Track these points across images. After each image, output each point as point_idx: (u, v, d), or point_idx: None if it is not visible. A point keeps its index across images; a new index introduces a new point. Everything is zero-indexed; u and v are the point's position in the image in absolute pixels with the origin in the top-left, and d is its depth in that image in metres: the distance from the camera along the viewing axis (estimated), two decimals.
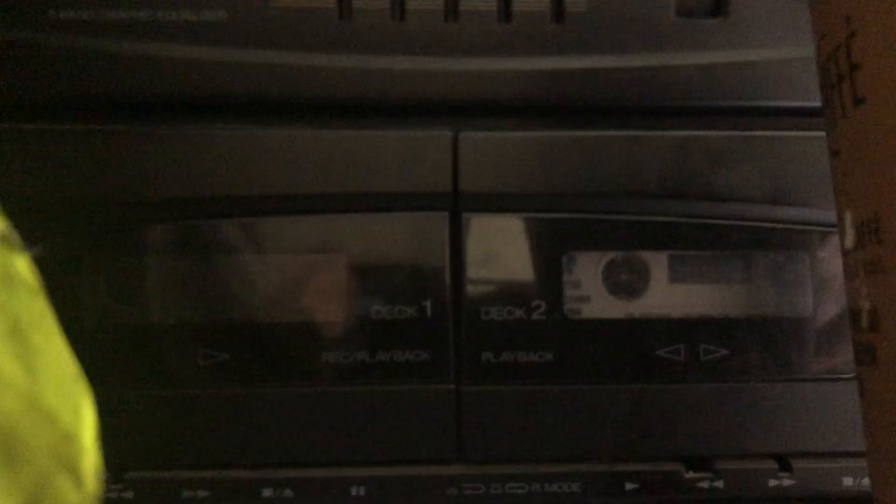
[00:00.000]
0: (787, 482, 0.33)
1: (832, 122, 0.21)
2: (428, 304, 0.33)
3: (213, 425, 0.32)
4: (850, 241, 0.20)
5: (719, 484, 0.33)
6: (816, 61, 0.22)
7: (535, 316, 0.33)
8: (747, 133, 0.33)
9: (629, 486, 0.33)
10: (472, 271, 0.33)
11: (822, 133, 0.33)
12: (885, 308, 0.19)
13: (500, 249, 0.33)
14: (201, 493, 0.32)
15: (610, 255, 0.34)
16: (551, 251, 0.34)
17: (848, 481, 0.34)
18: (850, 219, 0.20)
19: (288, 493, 0.32)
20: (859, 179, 0.20)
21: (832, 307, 0.34)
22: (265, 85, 0.32)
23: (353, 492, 0.32)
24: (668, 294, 0.34)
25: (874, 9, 0.18)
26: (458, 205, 0.33)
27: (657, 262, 0.34)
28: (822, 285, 0.34)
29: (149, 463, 0.32)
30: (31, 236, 0.30)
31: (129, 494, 0.32)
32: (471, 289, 0.33)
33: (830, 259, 0.34)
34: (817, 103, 0.33)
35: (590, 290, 0.34)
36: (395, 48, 0.33)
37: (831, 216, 0.33)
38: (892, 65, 0.18)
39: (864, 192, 0.19)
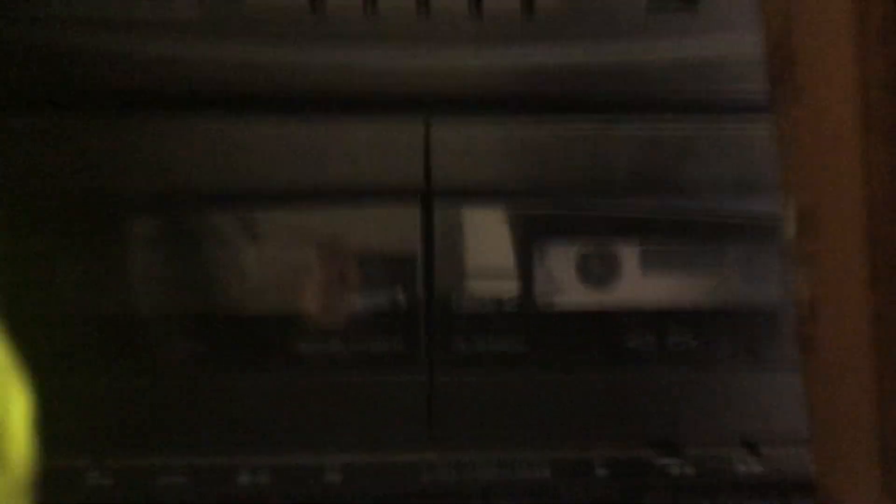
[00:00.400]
0: (756, 468, 0.34)
1: (775, 113, 0.22)
2: (401, 294, 0.33)
3: (190, 413, 0.33)
4: (791, 230, 0.21)
5: (689, 469, 0.34)
6: (762, 53, 0.23)
7: (507, 306, 0.34)
8: (717, 126, 0.34)
9: (600, 471, 0.34)
10: (444, 262, 0.33)
11: None
12: (821, 298, 0.19)
13: (472, 240, 0.34)
14: (179, 480, 0.33)
15: (582, 247, 0.35)
16: (523, 242, 0.34)
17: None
18: (791, 208, 0.21)
19: (264, 478, 0.33)
20: (799, 170, 0.20)
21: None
22: (238, 80, 0.33)
23: (329, 477, 0.33)
24: (639, 285, 0.35)
25: (809, 4, 0.19)
26: (430, 196, 0.33)
27: (629, 254, 0.35)
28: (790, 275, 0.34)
29: (127, 450, 0.33)
30: (11, 226, 0.31)
31: (107, 481, 0.32)
32: (443, 279, 0.33)
33: None
34: None
35: (562, 281, 0.35)
36: (367, 42, 0.33)
37: None
38: (826, 58, 0.18)
39: (803, 182, 0.20)
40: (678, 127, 0.34)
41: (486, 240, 0.34)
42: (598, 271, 0.35)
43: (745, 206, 0.34)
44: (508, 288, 0.34)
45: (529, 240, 0.34)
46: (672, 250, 0.34)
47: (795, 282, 0.21)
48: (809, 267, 0.20)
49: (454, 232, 0.34)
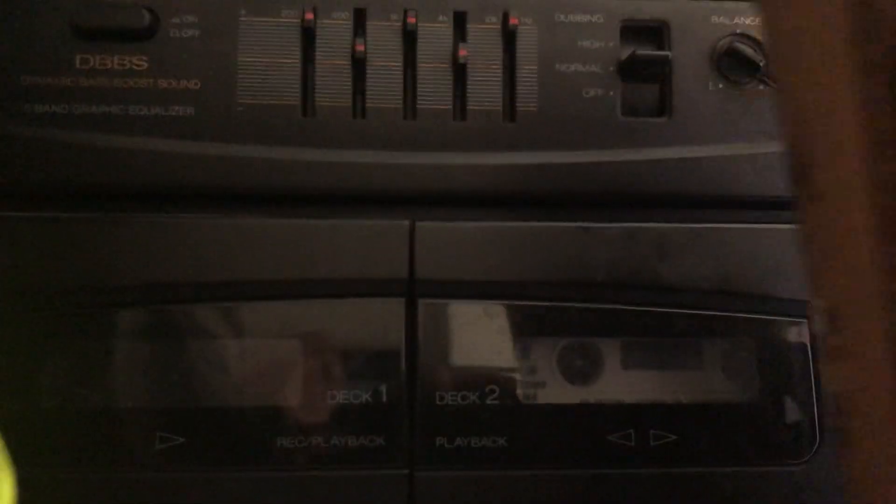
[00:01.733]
0: None
1: (797, 213, 0.22)
2: (383, 389, 0.33)
3: None
4: (819, 327, 0.21)
5: None
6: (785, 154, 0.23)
7: (490, 401, 0.34)
8: (693, 225, 0.35)
9: None
10: (427, 357, 0.34)
11: (766, 225, 0.35)
12: (849, 393, 0.20)
13: (455, 335, 0.34)
14: None
15: (564, 342, 0.35)
16: (506, 337, 0.35)
17: None
18: (817, 305, 0.21)
19: None
20: (820, 269, 0.20)
21: (778, 394, 0.34)
22: (230, 176, 0.34)
23: None
24: (620, 380, 0.35)
25: (821, 111, 0.19)
26: (414, 291, 0.34)
27: (610, 349, 0.35)
28: (768, 372, 0.35)
29: None
30: None
31: None
32: (426, 374, 0.34)
33: (775, 346, 0.35)
34: (759, 195, 0.35)
35: (545, 376, 0.35)
36: (355, 143, 0.34)
37: (777, 305, 0.34)
38: (840, 163, 0.19)
39: (824, 281, 0.20)
40: (654, 226, 0.35)
41: (469, 335, 0.34)
42: (579, 366, 0.35)
43: (723, 302, 0.35)
44: (491, 383, 0.34)
45: (511, 335, 0.34)
46: (651, 345, 0.35)
47: (824, 376, 0.21)
48: (834, 364, 0.20)
49: (437, 327, 0.34)
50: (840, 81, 0.19)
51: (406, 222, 0.34)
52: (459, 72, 0.35)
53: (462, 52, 0.34)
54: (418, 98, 0.35)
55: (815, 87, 0.20)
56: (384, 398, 0.33)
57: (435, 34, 0.35)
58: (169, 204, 0.34)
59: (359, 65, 0.34)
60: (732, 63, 0.35)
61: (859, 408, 0.20)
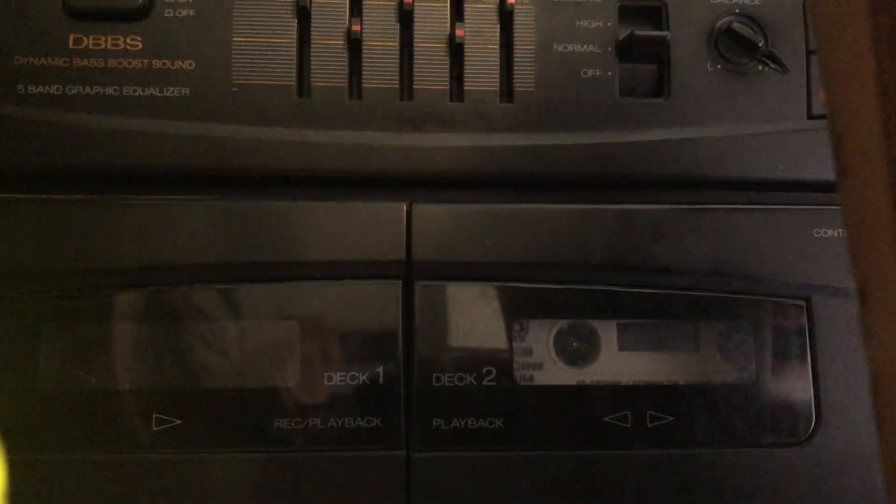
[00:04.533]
0: None
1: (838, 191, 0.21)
2: (380, 370, 0.33)
3: (165, 490, 0.32)
4: (856, 306, 0.21)
5: None
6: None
7: (486, 382, 0.34)
8: (690, 206, 0.35)
9: None
10: (424, 339, 0.34)
11: (764, 206, 0.35)
12: (880, 372, 0.19)
13: (451, 317, 0.34)
14: None
15: (560, 323, 0.35)
16: (503, 318, 0.35)
17: None
18: (854, 283, 0.21)
19: None
20: (851, 249, 0.20)
21: (775, 375, 0.34)
22: (225, 158, 0.34)
23: None
24: (617, 361, 0.35)
25: (848, 78, 0.19)
26: (411, 273, 0.34)
27: (606, 330, 0.35)
28: (766, 353, 0.35)
29: None
30: None
31: None
32: (423, 356, 0.34)
33: (773, 328, 0.35)
34: (753, 177, 0.35)
35: (541, 358, 0.35)
36: (351, 124, 0.34)
37: (772, 287, 0.34)
38: (865, 139, 0.19)
39: (856, 261, 0.20)
40: (650, 207, 0.35)
41: (466, 316, 0.34)
42: (575, 348, 0.35)
43: (719, 283, 0.35)
44: (488, 365, 0.34)
45: (508, 316, 0.34)
46: (648, 327, 0.35)
47: (866, 353, 0.21)
48: (867, 341, 0.20)
49: (435, 309, 0.34)
50: (859, 50, 0.19)
51: (403, 204, 0.34)
52: (456, 52, 0.35)
53: (459, 32, 0.34)
54: (415, 78, 0.34)
55: (839, 56, 0.19)
56: (381, 380, 0.33)
57: (432, 13, 0.34)
58: (164, 186, 0.34)
59: (355, 45, 0.34)
60: (731, 43, 0.35)
61: (887, 388, 0.19)
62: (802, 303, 0.35)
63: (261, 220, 0.33)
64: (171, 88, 0.34)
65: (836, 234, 0.35)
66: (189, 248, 0.33)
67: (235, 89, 0.34)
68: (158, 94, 0.34)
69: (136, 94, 0.34)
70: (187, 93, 0.34)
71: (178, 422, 0.32)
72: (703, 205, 0.35)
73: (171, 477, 0.32)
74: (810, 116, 0.36)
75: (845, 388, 0.34)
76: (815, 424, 0.34)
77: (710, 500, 0.34)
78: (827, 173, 0.35)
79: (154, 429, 0.32)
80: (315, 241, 0.33)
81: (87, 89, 0.33)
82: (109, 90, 0.34)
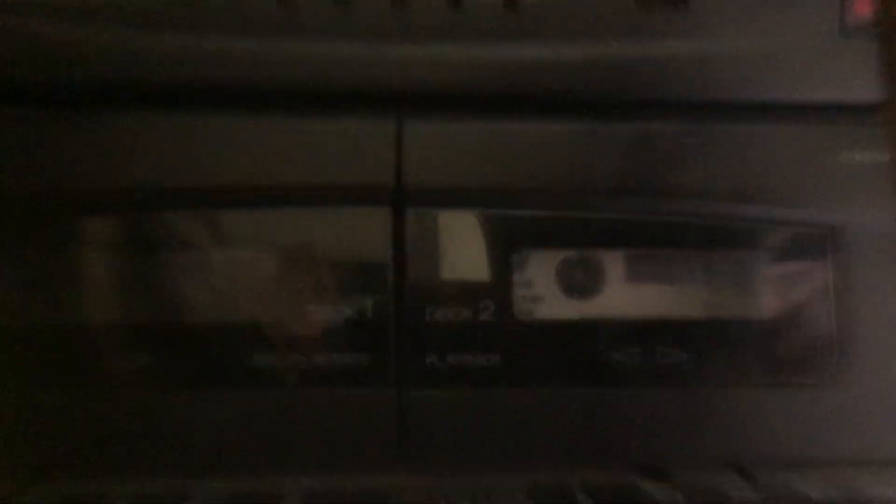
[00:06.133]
0: (749, 494, 0.32)
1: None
2: (369, 304, 0.31)
3: (138, 432, 0.30)
4: None
5: (677, 496, 0.31)
6: None
7: (483, 317, 0.31)
8: (707, 127, 0.32)
9: (581, 497, 0.31)
10: (416, 270, 0.31)
11: (785, 127, 0.32)
12: None
13: (446, 247, 0.32)
14: None
15: (564, 254, 0.33)
16: (501, 249, 0.32)
17: (814, 493, 0.32)
18: None
19: None
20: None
21: (796, 310, 0.32)
22: (199, 71, 0.31)
23: (288, 502, 0.30)
24: (624, 294, 0.33)
25: None
26: (401, 199, 0.31)
27: (613, 262, 0.33)
28: (786, 287, 0.32)
29: (67, 473, 0.30)
30: None
31: None
32: (415, 288, 0.31)
33: (794, 260, 0.32)
34: (779, 98, 0.32)
35: (542, 290, 0.32)
36: (337, 34, 0.31)
37: (795, 214, 0.31)
38: None
39: None
40: (666, 128, 0.32)
41: (462, 246, 0.32)
42: (580, 280, 0.33)
43: (737, 211, 0.32)
44: (485, 298, 0.31)
45: (508, 246, 0.32)
46: (660, 258, 0.32)
47: None
48: None
49: (427, 237, 0.31)
50: None
51: (393, 122, 0.31)
52: None
53: None
54: None
55: None
56: (370, 314, 0.31)
57: None
58: (132, 102, 0.31)
59: None
60: None
61: None
62: (827, 232, 0.32)
63: (236, 140, 0.30)
64: None
65: (865, 159, 0.32)
66: (157, 171, 0.30)
67: None
68: (125, 3, 0.30)
69: (102, 1, 0.30)
70: (157, 0, 0.30)
71: (150, 359, 0.30)
72: (723, 124, 0.32)
73: (142, 417, 0.30)
74: (842, 32, 0.32)
75: (872, 324, 0.32)
76: (838, 363, 0.32)
77: (724, 442, 0.31)
78: (859, 94, 0.32)
79: (124, 367, 0.30)
80: (296, 164, 0.31)
81: None
82: None
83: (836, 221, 0.32)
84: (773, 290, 0.32)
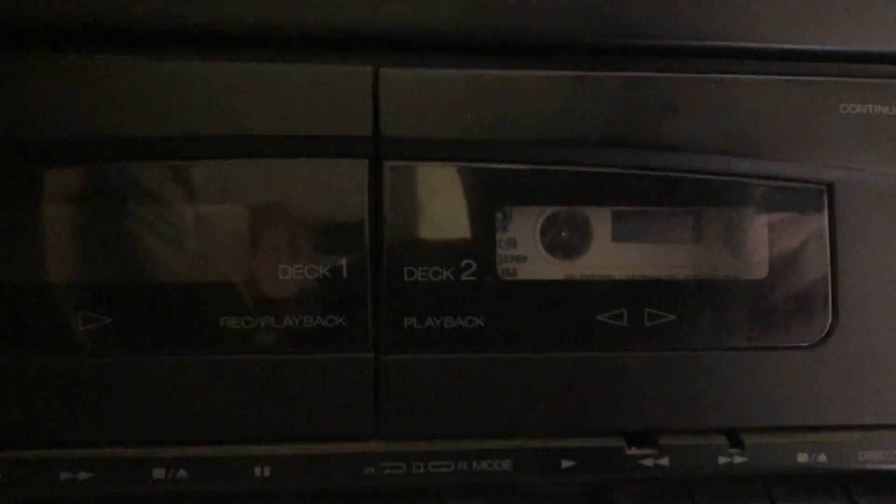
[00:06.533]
0: (738, 459, 0.31)
1: None
2: (343, 263, 0.29)
3: (94, 398, 0.28)
4: None
5: (664, 461, 0.30)
6: None
7: (465, 277, 0.30)
8: (701, 75, 0.30)
9: (565, 463, 0.30)
10: (394, 226, 0.29)
11: (782, 77, 0.30)
12: None
13: (425, 203, 0.30)
14: (83, 475, 0.28)
15: (548, 211, 0.31)
16: (483, 205, 0.30)
17: (802, 457, 0.31)
18: None
19: (182, 473, 0.29)
20: None
21: (789, 270, 0.31)
22: (160, 10, 0.28)
23: (257, 472, 0.29)
24: (610, 254, 0.31)
25: None
26: (378, 151, 0.29)
27: (599, 219, 0.31)
28: (779, 246, 0.31)
29: (24, 440, 0.28)
30: None
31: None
32: (392, 246, 0.29)
33: (788, 217, 0.31)
34: (776, 45, 0.30)
35: (526, 250, 0.31)
36: None
37: (790, 169, 0.30)
38: None
39: None
40: (657, 76, 0.30)
41: (442, 202, 0.30)
42: (565, 239, 0.31)
43: (729, 165, 0.30)
44: (466, 257, 0.30)
45: (490, 202, 0.30)
46: (648, 215, 0.31)
47: None
48: None
49: (406, 192, 0.30)
50: None
51: (368, 68, 0.29)
52: None
53: None
54: None
55: None
56: (345, 273, 0.29)
57: None
58: (90, 46, 0.28)
59: None
60: None
61: None
62: (824, 188, 0.31)
63: (201, 87, 0.28)
64: None
65: (865, 111, 0.30)
66: (118, 120, 0.28)
67: None
68: None
69: None
70: None
71: (108, 320, 0.28)
72: (717, 74, 0.30)
73: (99, 382, 0.28)
74: None
75: (867, 285, 0.31)
76: (830, 325, 0.31)
77: (714, 406, 0.30)
78: (858, 41, 0.30)
79: (80, 328, 0.28)
80: (265, 112, 0.29)
81: None
82: None
83: (833, 177, 0.31)
84: (765, 249, 0.31)
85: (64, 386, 0.28)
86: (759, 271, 0.31)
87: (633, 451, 0.30)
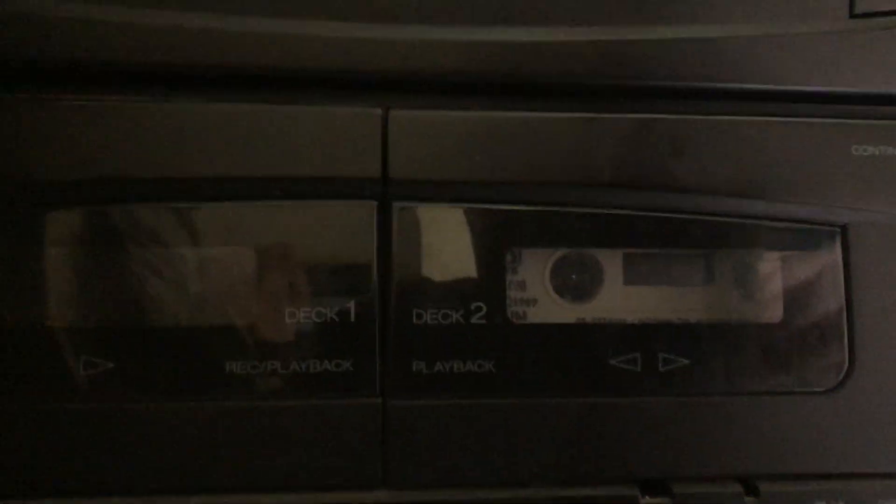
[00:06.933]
0: None
1: None
2: (352, 305, 0.29)
3: (96, 445, 0.28)
4: None
5: None
6: None
7: (475, 320, 0.29)
8: (710, 117, 0.30)
9: None
10: (402, 269, 0.29)
11: (794, 119, 0.30)
12: None
13: (434, 244, 0.29)
14: None
15: (559, 253, 0.31)
16: (493, 247, 0.30)
17: None
18: None
19: None
20: None
21: (804, 312, 0.30)
22: (166, 51, 0.28)
23: None
24: (622, 296, 0.31)
25: None
26: (387, 193, 0.29)
27: (611, 261, 0.31)
28: (793, 288, 0.30)
29: (21, 490, 0.27)
30: None
31: None
32: (401, 289, 0.29)
33: (802, 260, 0.30)
34: (786, 86, 0.30)
35: (536, 292, 0.30)
36: (317, 11, 0.29)
37: (803, 211, 0.30)
38: None
39: None
40: (668, 118, 0.30)
41: (451, 244, 0.30)
42: (576, 281, 0.31)
43: (742, 207, 0.30)
44: (475, 299, 0.29)
45: (499, 244, 0.30)
46: (660, 257, 0.31)
47: None
48: None
49: (414, 234, 0.29)
50: None
51: (378, 110, 0.29)
52: None
53: None
54: None
55: None
56: (352, 316, 0.29)
57: None
58: (97, 85, 0.28)
59: None
60: None
61: None
62: (838, 230, 0.30)
63: (210, 128, 0.28)
64: None
65: (877, 152, 0.30)
66: (124, 161, 0.28)
67: None
68: None
69: None
70: None
71: (111, 365, 0.28)
72: (727, 114, 0.30)
73: (101, 429, 0.27)
74: (853, 15, 0.30)
75: (883, 329, 0.30)
76: (847, 369, 0.30)
77: (729, 453, 0.30)
78: (870, 83, 0.30)
79: (82, 373, 0.27)
80: (274, 154, 0.28)
81: None
82: None
83: (846, 219, 0.30)
84: (779, 292, 0.30)
85: (65, 433, 0.27)
86: (774, 314, 0.30)
87: (647, 499, 0.30)
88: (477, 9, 0.29)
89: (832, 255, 0.30)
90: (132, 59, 0.28)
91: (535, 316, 0.30)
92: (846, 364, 0.30)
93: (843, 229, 0.30)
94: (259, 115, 0.28)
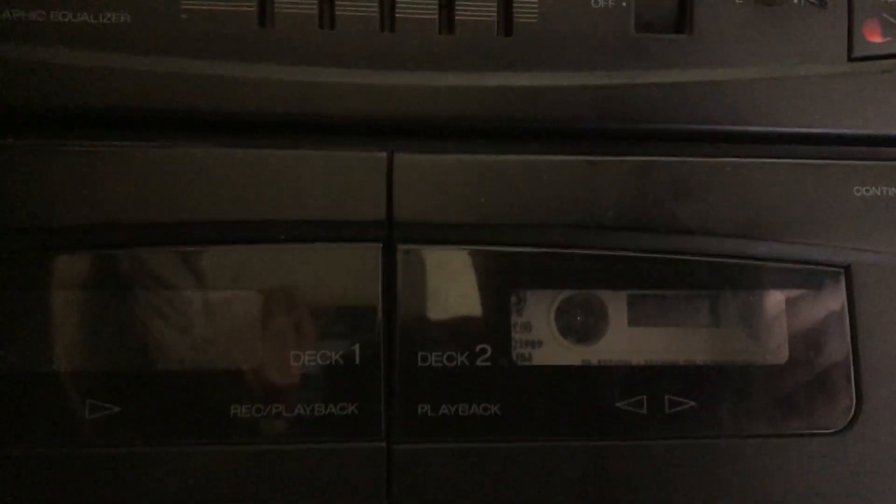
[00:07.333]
0: None
1: None
2: (356, 348, 0.29)
3: (101, 490, 0.28)
4: None
5: None
6: None
7: (480, 362, 0.29)
8: (713, 159, 0.30)
9: None
10: (407, 311, 0.29)
11: (795, 161, 0.30)
12: None
13: (439, 287, 0.29)
14: None
15: (564, 295, 0.31)
16: (498, 289, 0.30)
17: None
18: None
19: None
20: None
21: (809, 354, 0.30)
22: (173, 97, 0.29)
23: None
24: (627, 338, 0.31)
25: None
26: (392, 235, 0.29)
27: (615, 303, 0.31)
28: (798, 329, 0.30)
29: None
30: None
31: None
32: (405, 331, 0.29)
33: (806, 300, 0.30)
34: (788, 129, 0.30)
35: (541, 334, 0.30)
36: (322, 59, 0.29)
37: (806, 252, 0.30)
38: None
39: None
40: (671, 160, 0.30)
41: (456, 286, 0.30)
42: (581, 323, 0.31)
43: (746, 249, 0.30)
44: (480, 342, 0.29)
45: (504, 286, 0.30)
46: (665, 298, 0.31)
47: None
48: None
49: (419, 277, 0.29)
50: None
51: (383, 154, 0.29)
52: None
53: None
54: (397, 5, 0.29)
55: None
56: (357, 359, 0.29)
57: None
58: (99, 129, 0.29)
59: None
60: None
61: None
62: (841, 271, 0.30)
63: (215, 172, 0.28)
64: (109, 14, 0.28)
65: (879, 193, 0.30)
66: (129, 206, 0.28)
67: (185, 16, 0.29)
68: (93, 21, 0.28)
69: (66, 20, 0.28)
70: (128, 19, 0.28)
71: (117, 409, 0.28)
72: (730, 158, 0.30)
73: (107, 473, 0.27)
74: (851, 58, 0.31)
75: (890, 370, 0.30)
76: (854, 411, 0.30)
77: (736, 495, 0.29)
78: (870, 125, 0.31)
79: (87, 417, 0.27)
80: (280, 197, 0.29)
81: (6, 13, 0.28)
82: (34, 15, 0.28)
83: (850, 259, 0.30)
84: (784, 333, 0.30)
85: (71, 477, 0.27)
86: (779, 356, 0.30)
87: None
88: (480, 54, 0.30)
89: (836, 296, 0.30)
90: (138, 104, 0.29)
91: (541, 358, 0.30)
92: (854, 405, 0.30)
93: (847, 269, 0.30)
94: (264, 159, 0.29)
